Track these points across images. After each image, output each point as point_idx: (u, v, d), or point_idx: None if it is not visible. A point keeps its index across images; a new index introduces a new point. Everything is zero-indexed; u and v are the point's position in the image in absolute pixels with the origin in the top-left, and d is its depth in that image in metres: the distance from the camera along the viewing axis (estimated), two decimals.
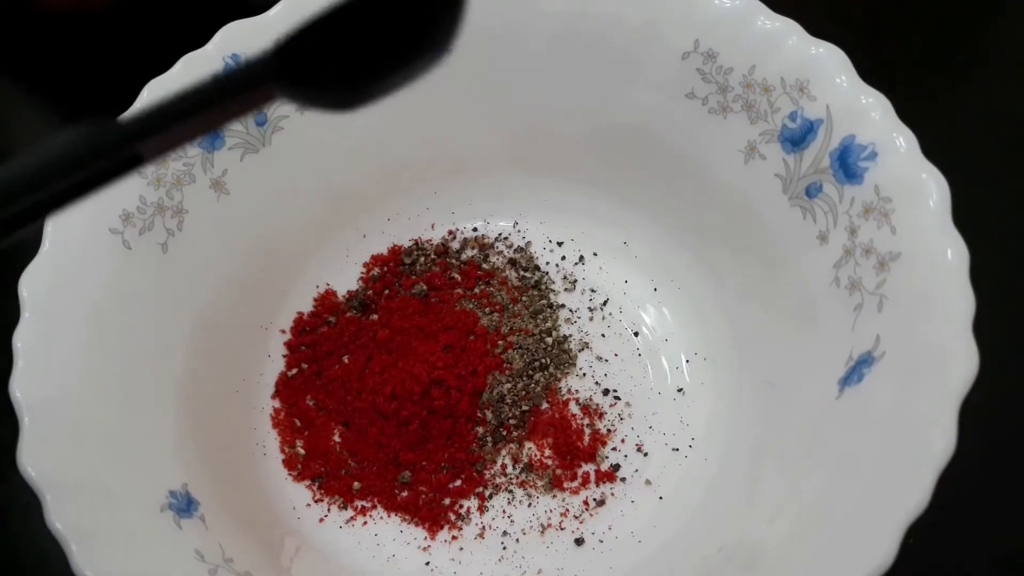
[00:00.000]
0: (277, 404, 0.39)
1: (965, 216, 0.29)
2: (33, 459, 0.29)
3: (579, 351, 0.40)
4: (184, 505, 0.31)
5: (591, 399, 0.39)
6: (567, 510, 0.37)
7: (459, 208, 0.43)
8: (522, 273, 0.42)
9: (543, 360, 0.40)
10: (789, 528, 0.30)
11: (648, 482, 0.37)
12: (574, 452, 0.38)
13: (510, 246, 0.43)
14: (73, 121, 0.17)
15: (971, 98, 0.47)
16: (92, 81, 0.48)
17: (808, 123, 0.33)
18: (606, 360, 0.40)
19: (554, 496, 0.37)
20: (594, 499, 0.37)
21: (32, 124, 0.48)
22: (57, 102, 0.48)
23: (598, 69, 0.37)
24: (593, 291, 0.41)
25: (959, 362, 0.27)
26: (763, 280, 0.36)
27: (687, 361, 0.39)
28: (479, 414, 0.38)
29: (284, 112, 0.37)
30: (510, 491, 0.37)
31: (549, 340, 0.40)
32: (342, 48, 0.16)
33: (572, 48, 0.37)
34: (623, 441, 0.38)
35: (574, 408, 0.39)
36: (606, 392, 0.39)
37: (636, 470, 0.38)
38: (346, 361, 0.40)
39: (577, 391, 0.39)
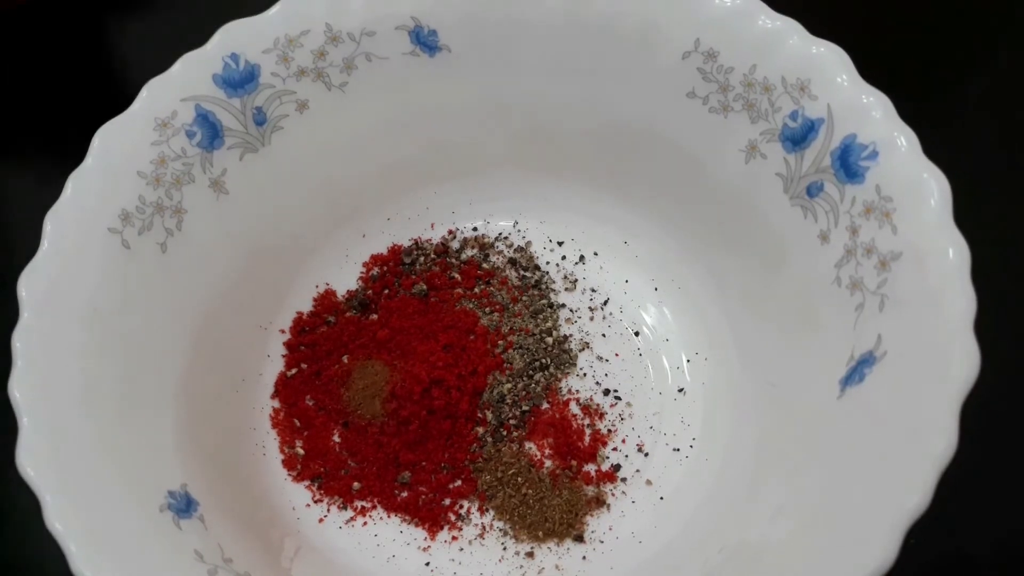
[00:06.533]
0: (276, 404, 0.39)
1: (966, 215, 0.29)
2: (32, 459, 0.29)
3: (579, 351, 0.40)
4: (183, 505, 0.31)
5: (592, 399, 0.39)
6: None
7: (459, 208, 0.43)
8: (522, 273, 0.42)
9: (543, 360, 0.40)
10: (790, 528, 0.30)
11: (649, 482, 0.37)
12: (574, 452, 0.38)
13: (510, 246, 0.43)
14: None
15: (971, 97, 0.47)
16: (91, 82, 0.48)
17: (809, 122, 0.33)
18: (607, 360, 0.40)
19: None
20: (595, 499, 0.37)
21: (30, 127, 0.48)
22: (55, 105, 0.48)
23: (598, 68, 0.37)
24: (593, 291, 0.41)
25: (960, 362, 0.27)
26: (764, 280, 0.36)
27: (688, 361, 0.39)
28: (479, 414, 0.38)
29: (284, 112, 0.37)
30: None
31: (549, 340, 0.40)
32: None
33: (572, 47, 0.37)
34: (624, 441, 0.38)
35: (574, 408, 0.39)
36: (607, 392, 0.39)
37: (637, 470, 0.38)
38: (346, 361, 0.40)
39: (577, 391, 0.39)
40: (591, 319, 0.41)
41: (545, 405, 0.39)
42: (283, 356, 0.40)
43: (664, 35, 0.35)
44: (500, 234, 0.43)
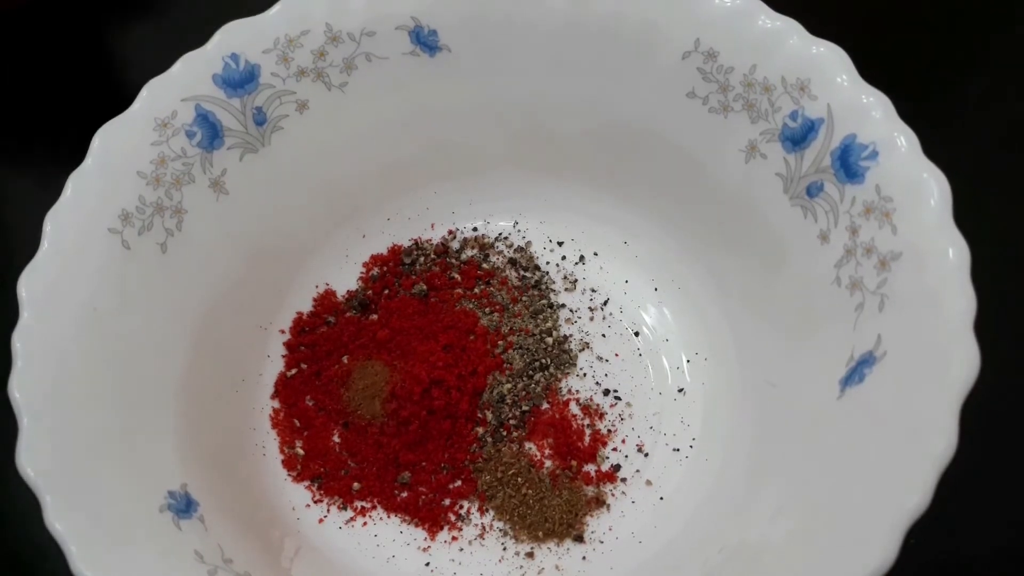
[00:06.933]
0: (276, 404, 0.39)
1: (966, 215, 0.29)
2: (32, 459, 0.29)
3: (579, 351, 0.40)
4: (183, 506, 0.31)
5: (591, 399, 0.39)
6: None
7: (459, 208, 0.43)
8: (522, 273, 0.42)
9: (543, 360, 0.40)
10: (790, 528, 0.30)
11: (649, 482, 0.37)
12: (574, 452, 0.38)
13: (510, 246, 0.42)
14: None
15: (971, 97, 0.47)
16: (91, 82, 0.48)
17: (809, 122, 0.33)
18: (606, 360, 0.40)
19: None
20: (595, 499, 0.37)
21: (30, 127, 0.48)
22: (55, 106, 0.48)
23: (598, 68, 0.37)
24: (593, 291, 0.41)
25: (960, 362, 0.27)
26: (764, 280, 0.36)
27: (688, 361, 0.39)
28: (479, 414, 0.38)
29: (284, 112, 0.37)
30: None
31: (549, 340, 0.40)
32: None
33: (572, 47, 0.37)
34: (624, 441, 0.38)
35: (574, 408, 0.39)
36: (607, 392, 0.39)
37: (637, 470, 0.38)
38: (346, 361, 0.40)
39: (577, 391, 0.39)
40: (591, 319, 0.41)
41: (545, 405, 0.39)
42: (283, 356, 0.40)
43: (664, 35, 0.35)
44: (500, 234, 0.43)
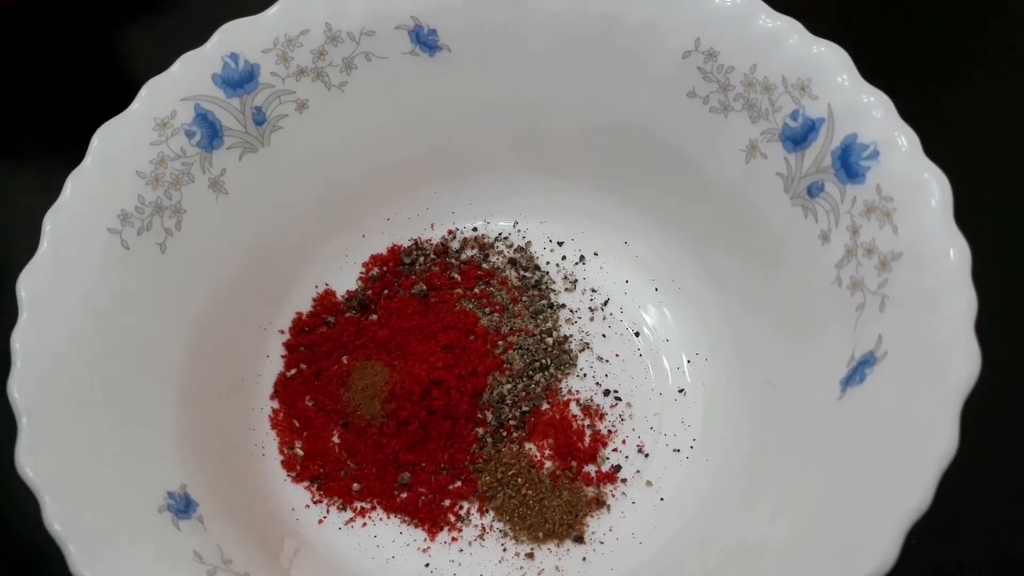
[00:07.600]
0: (276, 405, 0.39)
1: (967, 215, 0.29)
2: (31, 460, 0.29)
3: (580, 351, 0.40)
4: (182, 506, 0.31)
5: (592, 400, 0.39)
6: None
7: (459, 208, 0.43)
8: (522, 273, 0.42)
9: (543, 360, 0.39)
10: (790, 529, 0.30)
11: (649, 483, 0.37)
12: (575, 453, 0.38)
13: (510, 246, 0.42)
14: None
15: (971, 97, 0.47)
16: (91, 81, 0.48)
17: (810, 122, 0.33)
18: (607, 361, 0.40)
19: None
20: (595, 500, 0.37)
21: (30, 127, 0.48)
22: (55, 106, 0.48)
23: (599, 68, 0.37)
24: (594, 291, 0.41)
25: (961, 362, 0.27)
26: (765, 280, 0.36)
27: (688, 361, 0.39)
28: (479, 415, 0.38)
29: (283, 111, 0.37)
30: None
31: (549, 340, 0.40)
32: None
33: (573, 47, 0.37)
34: (624, 442, 0.38)
35: (575, 409, 0.39)
36: (607, 393, 0.39)
37: (637, 471, 0.38)
38: (345, 362, 0.40)
39: (578, 392, 0.39)
40: (591, 319, 0.41)
41: (545, 406, 0.39)
42: (282, 357, 0.40)
43: (664, 35, 0.35)
44: (500, 234, 0.43)
